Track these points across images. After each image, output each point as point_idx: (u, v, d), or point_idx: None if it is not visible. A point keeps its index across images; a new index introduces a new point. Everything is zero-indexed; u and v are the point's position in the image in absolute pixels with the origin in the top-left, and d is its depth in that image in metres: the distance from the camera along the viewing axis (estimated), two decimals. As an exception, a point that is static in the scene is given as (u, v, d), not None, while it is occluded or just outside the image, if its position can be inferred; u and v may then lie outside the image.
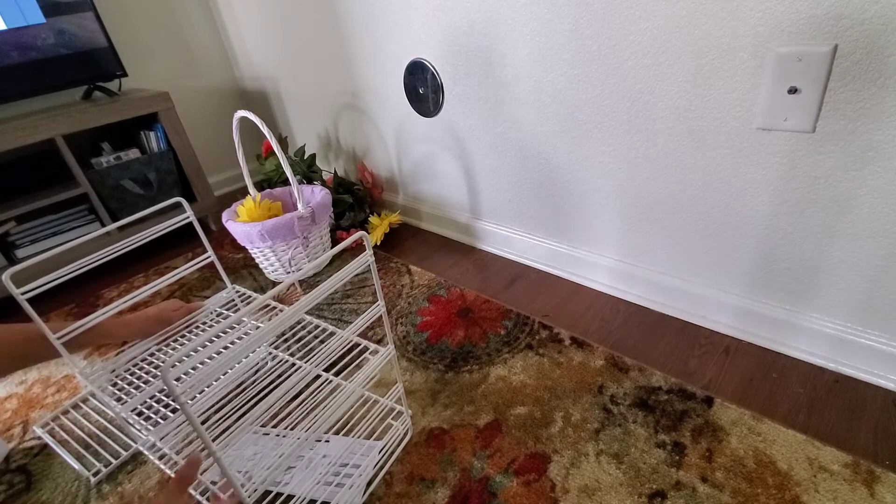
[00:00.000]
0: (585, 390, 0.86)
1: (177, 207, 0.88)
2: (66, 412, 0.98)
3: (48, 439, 0.92)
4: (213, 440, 0.51)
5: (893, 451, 0.70)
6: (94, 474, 0.83)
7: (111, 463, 0.85)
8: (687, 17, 0.76)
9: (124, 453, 0.86)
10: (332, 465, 0.76)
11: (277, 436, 0.84)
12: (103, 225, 1.53)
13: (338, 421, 0.84)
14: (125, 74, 1.59)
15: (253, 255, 1.32)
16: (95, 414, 0.96)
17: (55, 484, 0.84)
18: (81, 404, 1.00)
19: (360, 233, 0.62)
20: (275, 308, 0.96)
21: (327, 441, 0.82)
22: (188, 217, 0.90)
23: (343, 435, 0.82)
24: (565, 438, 0.78)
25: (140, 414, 0.95)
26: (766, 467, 0.70)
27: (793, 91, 0.70)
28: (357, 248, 1.47)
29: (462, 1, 1.04)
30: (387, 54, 1.30)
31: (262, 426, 0.87)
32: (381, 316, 0.69)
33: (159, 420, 0.92)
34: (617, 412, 0.81)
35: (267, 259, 1.29)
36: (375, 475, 0.76)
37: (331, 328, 0.83)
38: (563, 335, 1.00)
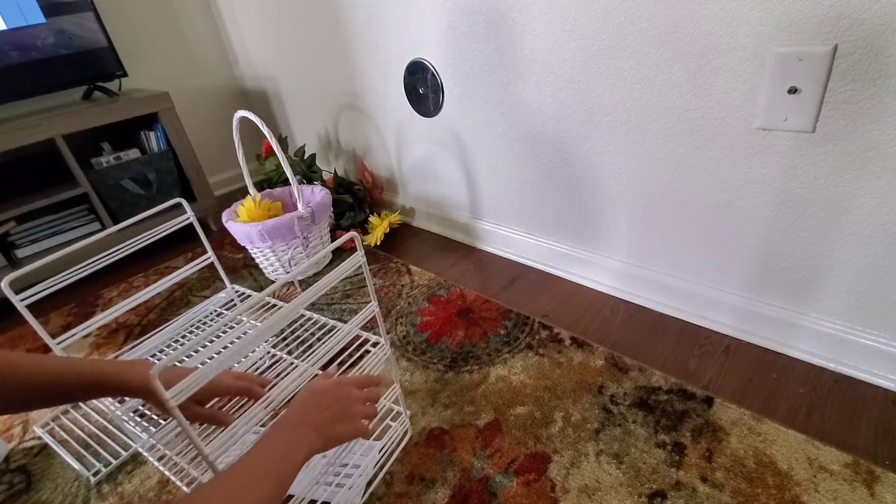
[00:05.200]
0: (585, 390, 0.86)
1: (177, 208, 0.88)
2: (66, 412, 0.98)
3: (48, 439, 0.92)
4: (209, 443, 0.50)
5: (893, 451, 0.70)
6: (94, 474, 0.83)
7: (111, 463, 0.85)
8: (687, 17, 0.76)
9: (124, 453, 0.86)
10: (331, 465, 0.76)
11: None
12: (103, 225, 1.53)
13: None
14: (125, 74, 1.59)
15: (253, 255, 1.32)
16: (95, 414, 0.96)
17: (55, 484, 0.84)
18: (81, 404, 1.00)
19: (351, 233, 0.62)
20: (274, 306, 0.97)
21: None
22: (188, 218, 0.91)
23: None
24: (565, 438, 0.78)
25: (142, 416, 0.95)
26: (766, 467, 0.70)
27: (793, 91, 0.70)
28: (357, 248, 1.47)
29: (462, 1, 1.04)
30: (387, 54, 1.30)
31: (263, 426, 0.87)
32: (375, 316, 0.69)
33: (160, 420, 0.92)
34: (617, 412, 0.81)
35: (267, 259, 1.29)
36: (375, 475, 0.76)
37: (329, 321, 0.82)
38: (563, 335, 1.00)
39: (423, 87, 1.25)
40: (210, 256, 0.95)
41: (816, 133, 0.72)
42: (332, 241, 1.43)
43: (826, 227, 0.77)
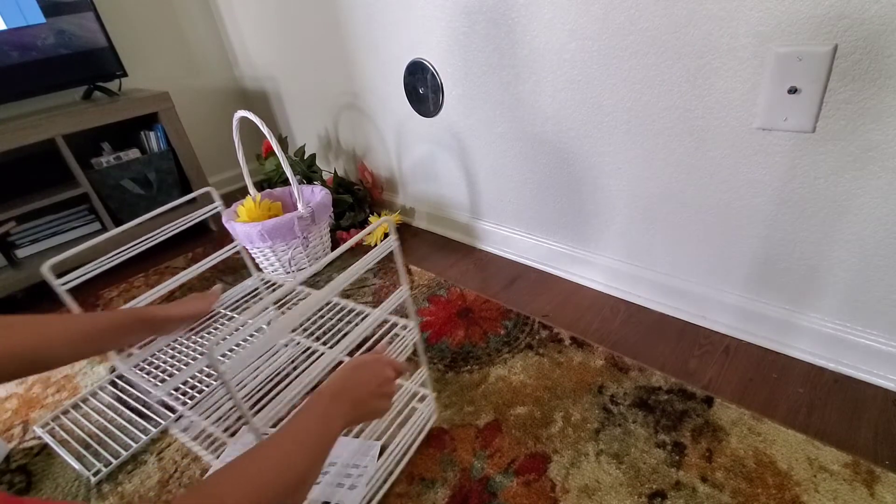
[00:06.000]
0: (585, 390, 0.86)
1: (192, 203, 0.91)
2: (66, 412, 0.98)
3: (48, 439, 0.92)
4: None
5: (893, 451, 0.70)
6: (95, 474, 0.83)
7: (111, 463, 0.85)
8: (687, 17, 0.76)
9: (124, 453, 0.86)
10: (331, 464, 0.76)
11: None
12: (103, 225, 1.53)
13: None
14: (125, 74, 1.59)
15: (253, 256, 1.32)
16: (95, 414, 0.96)
17: (55, 484, 0.84)
18: (81, 404, 1.00)
19: (386, 218, 0.63)
20: (302, 293, 0.98)
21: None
22: (217, 207, 0.93)
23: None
24: (565, 438, 0.78)
25: (141, 416, 0.95)
26: (766, 467, 0.70)
27: (793, 91, 0.70)
28: (357, 249, 1.47)
29: (462, 1, 1.04)
30: (387, 54, 1.30)
31: (273, 427, 0.87)
32: (404, 299, 0.71)
33: (160, 420, 0.92)
34: (617, 412, 0.81)
35: (267, 259, 1.29)
36: (403, 455, 0.78)
37: (356, 306, 0.85)
38: (563, 335, 1.00)
39: (423, 87, 1.25)
40: (237, 245, 0.98)
41: (816, 133, 0.72)
42: (331, 242, 1.43)
43: (826, 227, 0.77)
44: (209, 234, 1.70)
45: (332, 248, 1.45)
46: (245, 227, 1.19)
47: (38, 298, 1.44)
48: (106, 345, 0.67)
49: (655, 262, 1.02)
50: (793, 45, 0.68)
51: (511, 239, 1.30)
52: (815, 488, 0.66)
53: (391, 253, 0.64)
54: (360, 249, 1.47)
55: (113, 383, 1.05)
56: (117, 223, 1.54)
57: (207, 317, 0.88)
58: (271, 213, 1.32)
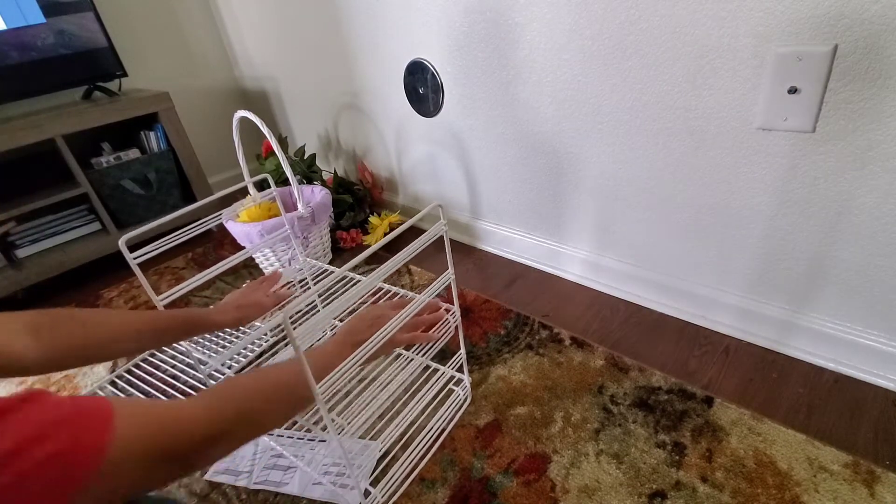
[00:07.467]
0: (585, 390, 0.86)
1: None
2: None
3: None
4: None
5: (893, 451, 0.70)
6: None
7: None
8: (687, 17, 0.76)
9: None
10: (332, 464, 0.76)
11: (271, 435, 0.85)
12: (103, 225, 1.53)
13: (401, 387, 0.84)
14: (125, 74, 1.59)
15: (253, 255, 1.32)
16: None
17: (55, 484, 0.83)
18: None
19: (436, 203, 0.65)
20: (347, 279, 1.02)
21: (328, 441, 0.83)
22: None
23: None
24: (565, 438, 0.78)
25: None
26: (766, 467, 0.70)
27: (793, 91, 0.70)
28: (357, 248, 1.47)
29: (462, 1, 1.04)
30: (387, 54, 1.30)
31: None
32: (450, 284, 0.74)
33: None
34: (617, 412, 0.81)
35: (267, 259, 1.29)
36: (437, 437, 0.80)
37: (398, 290, 0.88)
38: (563, 335, 1.00)
39: (423, 87, 1.25)
40: (286, 230, 1.04)
41: (816, 133, 0.72)
42: (331, 242, 1.43)
43: (826, 227, 0.77)
44: (209, 234, 1.70)
45: (332, 249, 1.46)
46: (245, 227, 1.19)
47: (39, 298, 1.45)
48: (163, 341, 0.71)
49: (656, 261, 1.02)
50: (793, 45, 0.68)
51: (511, 239, 1.30)
52: (815, 488, 0.66)
53: (393, 248, 0.65)
54: (359, 249, 1.47)
55: (113, 383, 1.05)
56: (117, 223, 1.54)
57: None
58: (271, 213, 1.32)
